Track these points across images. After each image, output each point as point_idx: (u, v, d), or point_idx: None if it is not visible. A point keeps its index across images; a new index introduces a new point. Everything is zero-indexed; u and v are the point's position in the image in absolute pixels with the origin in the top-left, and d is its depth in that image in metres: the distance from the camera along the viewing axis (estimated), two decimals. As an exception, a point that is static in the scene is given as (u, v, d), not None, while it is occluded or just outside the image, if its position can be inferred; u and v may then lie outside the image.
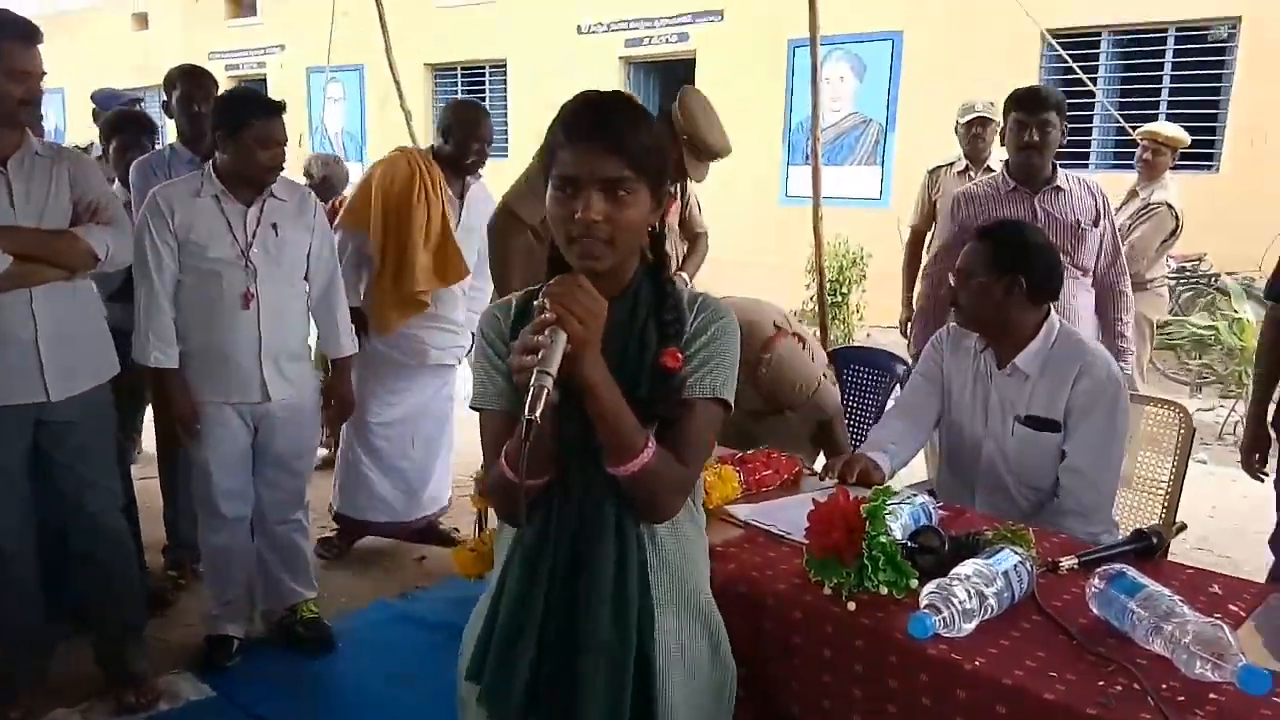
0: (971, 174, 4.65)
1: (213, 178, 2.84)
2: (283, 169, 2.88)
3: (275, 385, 2.91)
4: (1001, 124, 3.42)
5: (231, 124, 2.78)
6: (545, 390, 1.16)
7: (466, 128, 3.58)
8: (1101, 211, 3.24)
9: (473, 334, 3.82)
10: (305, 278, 3.01)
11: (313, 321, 3.13)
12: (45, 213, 2.49)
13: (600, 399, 1.27)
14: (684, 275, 4.02)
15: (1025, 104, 3.16)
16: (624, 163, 1.30)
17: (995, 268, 2.32)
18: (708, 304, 1.43)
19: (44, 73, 2.45)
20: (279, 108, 2.85)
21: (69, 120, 16.44)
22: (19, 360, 2.46)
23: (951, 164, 4.78)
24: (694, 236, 4.11)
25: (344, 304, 3.15)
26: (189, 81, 3.54)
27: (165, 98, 3.59)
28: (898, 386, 3.38)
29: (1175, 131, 4.93)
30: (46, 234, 2.48)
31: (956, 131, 4.81)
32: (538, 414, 1.16)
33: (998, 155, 4.77)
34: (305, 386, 3.05)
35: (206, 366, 2.86)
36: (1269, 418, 2.74)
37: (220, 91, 3.42)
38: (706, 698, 1.47)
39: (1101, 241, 3.24)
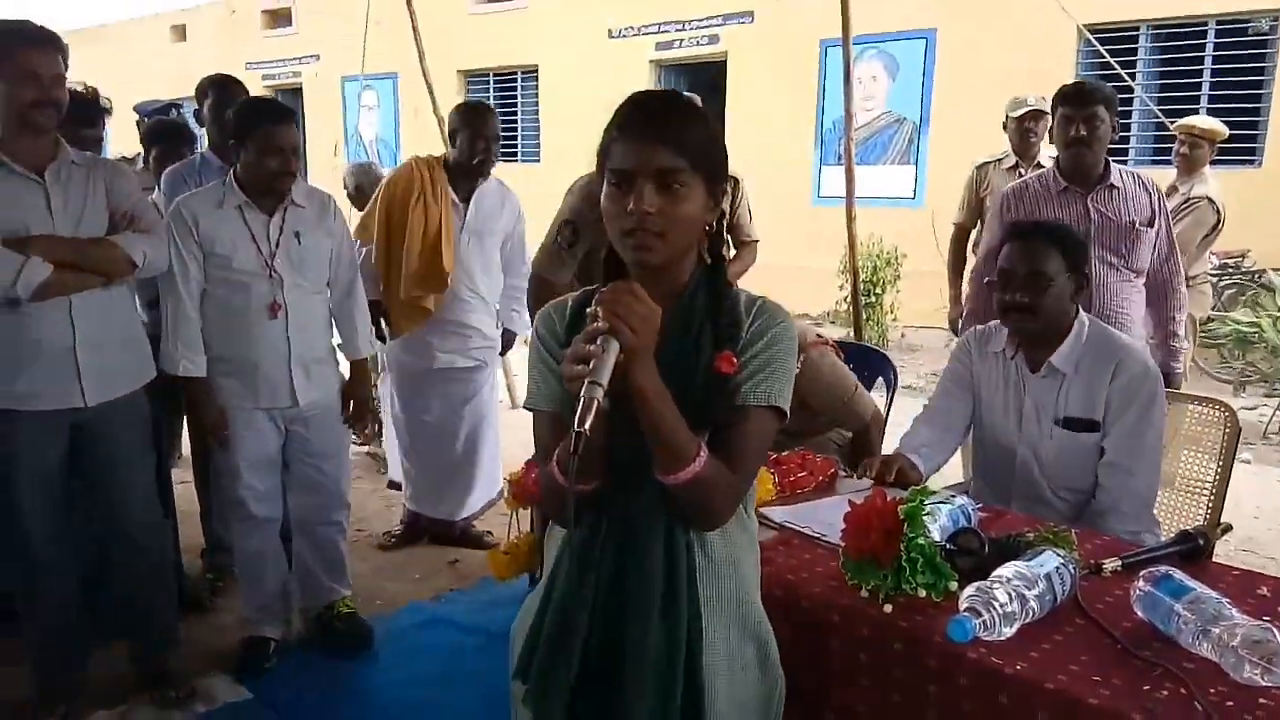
0: (1021, 170, 4.58)
1: (234, 188, 2.87)
2: (294, 175, 2.89)
3: (303, 390, 2.95)
4: (1051, 120, 3.35)
5: (240, 132, 2.82)
6: (595, 402, 1.14)
7: (470, 128, 3.58)
8: (1156, 209, 3.17)
9: (502, 336, 3.89)
10: (327, 282, 3.04)
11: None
12: (83, 222, 2.52)
13: (652, 407, 1.25)
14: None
15: (1072, 99, 3.11)
16: (677, 154, 1.30)
17: (1069, 269, 2.29)
18: (766, 308, 1.41)
19: (60, 76, 2.44)
20: (285, 114, 2.88)
21: (112, 132, 16.70)
22: (56, 366, 2.49)
23: (1000, 160, 4.70)
24: (741, 244, 4.08)
25: (363, 307, 3.19)
26: (220, 90, 3.58)
27: (198, 107, 3.64)
28: (885, 388, 3.33)
29: (1211, 124, 4.84)
30: (84, 243, 2.51)
31: (1005, 127, 4.72)
32: (587, 426, 1.14)
33: (1047, 151, 4.74)
34: (331, 388, 3.08)
35: (235, 374, 2.90)
36: None
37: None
38: (753, 707, 1.45)
39: (1156, 240, 3.16)
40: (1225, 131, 4.87)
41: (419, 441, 3.91)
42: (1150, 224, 3.14)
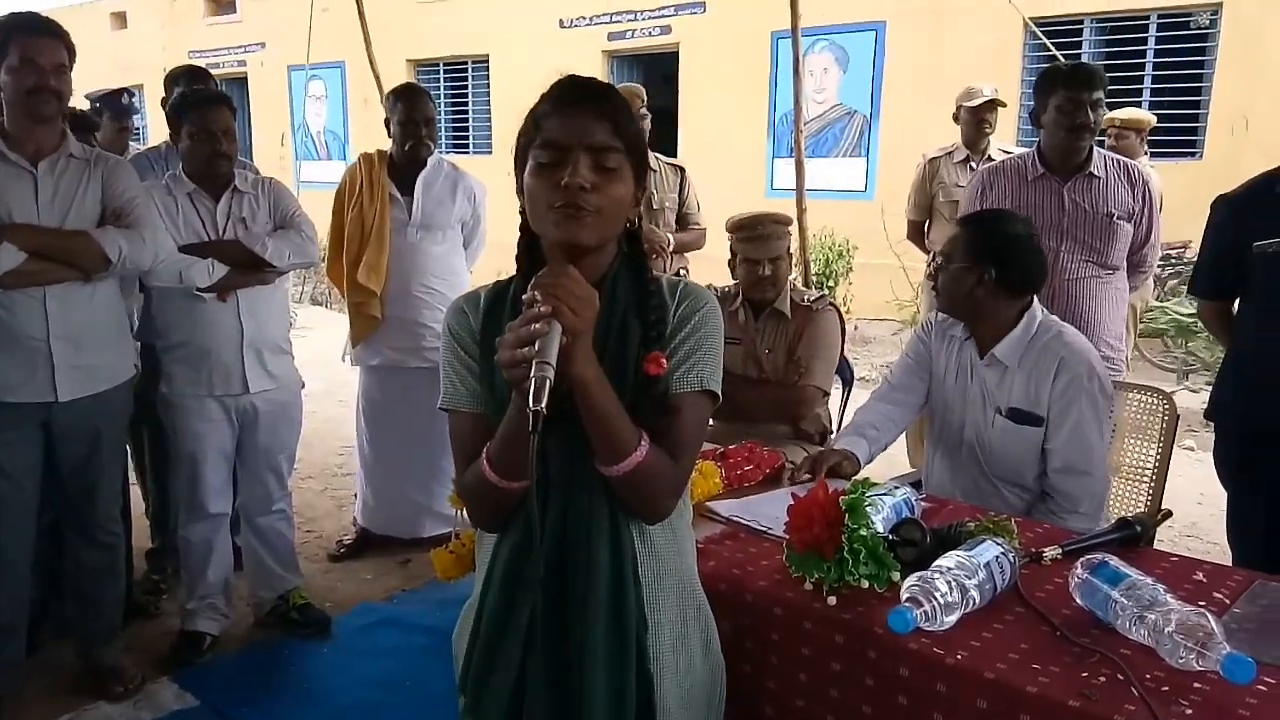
0: (973, 163, 4.62)
1: (181, 178, 2.90)
2: (230, 157, 2.92)
3: (255, 377, 2.94)
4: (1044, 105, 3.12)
5: (173, 120, 2.89)
6: (548, 380, 1.11)
7: (402, 111, 3.46)
8: (1141, 202, 3.04)
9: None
10: None
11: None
12: (70, 215, 2.52)
13: (593, 396, 1.22)
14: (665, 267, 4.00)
15: (1077, 82, 2.91)
16: (614, 133, 1.27)
17: (969, 256, 2.32)
18: (690, 290, 1.38)
19: (61, 65, 2.47)
20: (214, 98, 2.93)
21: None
22: (29, 358, 2.48)
23: (950, 152, 4.72)
24: (687, 229, 4.12)
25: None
26: (190, 81, 3.59)
27: (166, 95, 3.63)
28: (841, 386, 3.36)
29: (1135, 114, 4.95)
30: (61, 234, 2.50)
31: (957, 118, 4.74)
32: (543, 404, 1.10)
33: (997, 144, 4.79)
34: (288, 380, 3.09)
35: (188, 360, 2.89)
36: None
37: None
38: (699, 697, 1.44)
39: (1135, 234, 3.08)
40: (1151, 120, 4.99)
41: (372, 449, 3.78)
42: (1129, 218, 3.04)
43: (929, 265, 4.91)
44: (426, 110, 3.49)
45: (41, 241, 2.45)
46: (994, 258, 2.30)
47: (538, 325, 1.14)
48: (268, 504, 3.15)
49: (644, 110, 4.00)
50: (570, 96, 1.29)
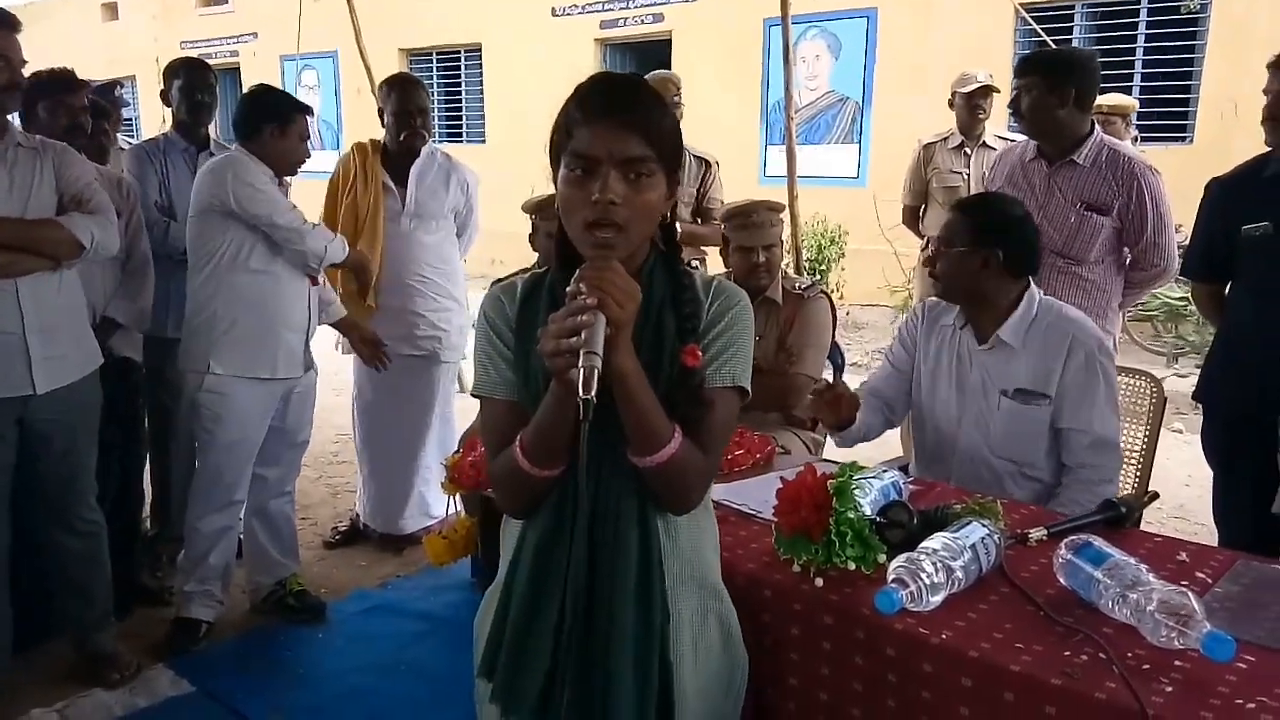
0: (967, 149, 4.64)
1: (259, 163, 2.95)
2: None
3: (309, 358, 3.09)
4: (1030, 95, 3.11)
5: (285, 118, 2.95)
6: (596, 370, 1.13)
7: (396, 101, 3.46)
8: (1127, 198, 2.96)
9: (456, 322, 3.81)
10: None
11: None
12: (30, 203, 2.47)
13: (632, 388, 1.23)
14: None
15: (1023, 68, 3.09)
16: (645, 143, 1.26)
17: (972, 240, 2.31)
18: (723, 288, 1.40)
19: (21, 60, 2.44)
20: (311, 109, 3.12)
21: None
22: (6, 352, 2.44)
23: (945, 139, 4.74)
24: (710, 224, 4.07)
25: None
26: (191, 72, 3.60)
27: (164, 87, 3.65)
28: (831, 371, 3.38)
29: (1118, 99, 4.97)
30: (31, 223, 2.46)
31: (951, 104, 4.74)
32: (593, 394, 1.12)
33: (993, 129, 4.80)
34: (313, 364, 3.21)
35: (258, 343, 2.95)
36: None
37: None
38: (716, 686, 1.45)
39: (1128, 233, 3.02)
40: (1133, 105, 5.03)
41: (365, 439, 3.78)
42: (1106, 212, 2.97)
43: (922, 251, 4.95)
44: (420, 100, 3.49)
45: (13, 232, 2.41)
46: (999, 240, 2.29)
47: (584, 317, 1.16)
48: (280, 486, 3.22)
49: (678, 99, 3.98)
50: (601, 106, 1.27)
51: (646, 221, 1.31)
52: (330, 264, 3.09)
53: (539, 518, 1.36)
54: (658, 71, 4.13)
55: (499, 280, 1.74)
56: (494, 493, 1.44)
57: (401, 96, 3.46)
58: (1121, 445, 2.38)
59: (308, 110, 3.06)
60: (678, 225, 1.48)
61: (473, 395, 1.42)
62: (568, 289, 1.20)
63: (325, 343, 3.46)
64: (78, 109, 3.07)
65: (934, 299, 2.55)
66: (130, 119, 13.81)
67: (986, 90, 4.62)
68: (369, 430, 3.76)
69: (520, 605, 1.35)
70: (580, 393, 1.12)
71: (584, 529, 1.31)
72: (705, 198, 4.13)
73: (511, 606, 1.36)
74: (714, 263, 4.11)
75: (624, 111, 1.26)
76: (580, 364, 1.13)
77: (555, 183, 1.33)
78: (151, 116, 14.23)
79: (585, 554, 1.31)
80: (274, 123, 2.93)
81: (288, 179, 3.11)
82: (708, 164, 4.17)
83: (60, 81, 3.03)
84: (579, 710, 1.31)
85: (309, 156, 3.12)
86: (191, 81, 3.54)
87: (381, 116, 3.53)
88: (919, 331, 2.53)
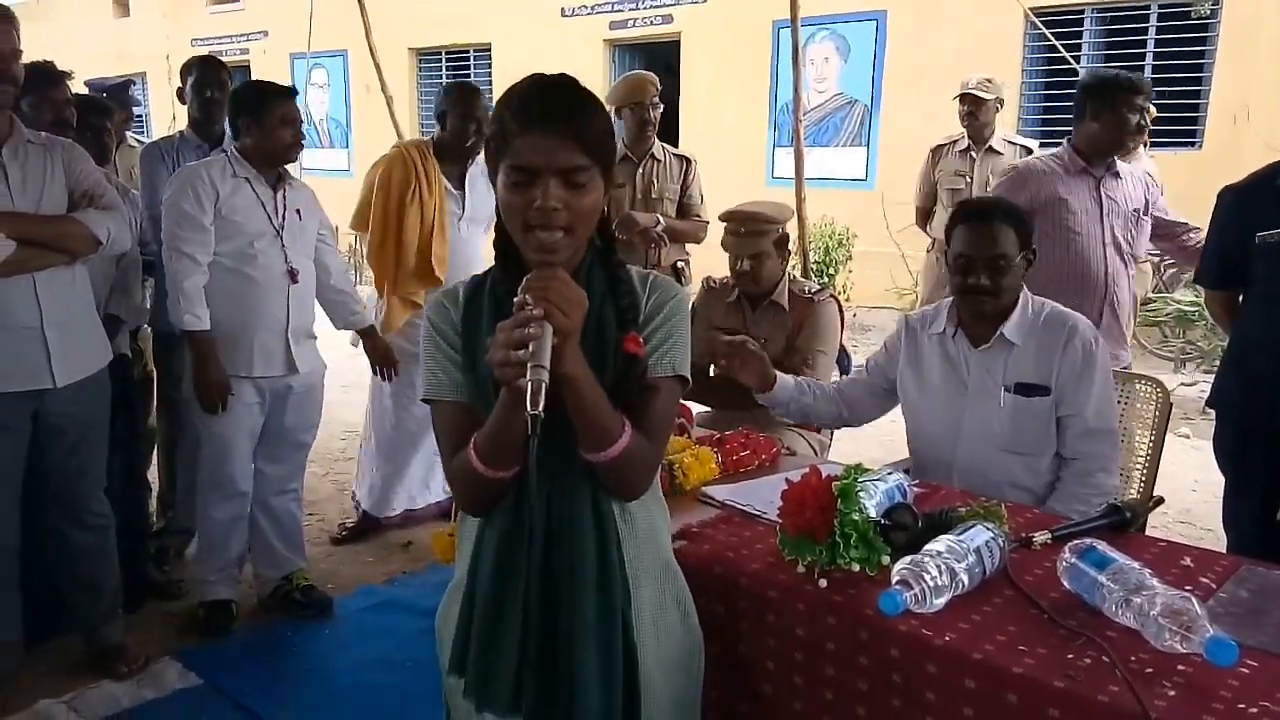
0: (973, 153, 4.64)
1: (241, 161, 2.95)
2: (302, 146, 3.03)
3: (299, 359, 3.06)
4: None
5: (256, 108, 2.91)
6: (544, 384, 1.15)
7: (460, 108, 3.55)
8: (1148, 199, 3.29)
9: None
10: (314, 261, 3.17)
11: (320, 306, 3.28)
12: (42, 199, 2.50)
13: (582, 391, 1.27)
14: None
15: (1141, 89, 3.20)
16: (582, 151, 1.29)
17: (1022, 246, 2.34)
18: (659, 283, 1.44)
19: (16, 51, 2.43)
20: (293, 91, 3.02)
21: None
22: (25, 346, 2.48)
23: (954, 141, 4.78)
24: (691, 220, 4.10)
25: (351, 283, 3.37)
26: (204, 69, 3.64)
27: (180, 85, 3.70)
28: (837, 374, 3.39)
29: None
30: (48, 219, 2.50)
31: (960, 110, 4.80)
32: (540, 409, 1.15)
33: (1002, 134, 4.81)
34: (318, 363, 3.20)
35: (232, 341, 2.95)
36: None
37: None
38: (678, 663, 1.50)
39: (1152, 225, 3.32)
40: (1150, 111, 4.99)
41: (399, 434, 3.80)
42: (1145, 212, 3.26)
43: (929, 252, 4.96)
44: (485, 109, 3.61)
45: (32, 228, 2.44)
46: (1030, 240, 2.36)
47: (531, 329, 1.18)
48: (284, 483, 3.24)
49: (657, 100, 4.00)
50: (538, 115, 1.29)
51: (587, 223, 1.35)
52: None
53: (496, 519, 1.40)
54: (636, 72, 4.14)
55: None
56: (450, 491, 1.48)
57: (468, 104, 3.57)
58: (1119, 435, 2.40)
59: (287, 93, 2.98)
60: (624, 215, 1.43)
61: (423, 400, 1.44)
62: (515, 299, 1.22)
63: (333, 341, 3.49)
64: (61, 102, 3.08)
65: (922, 310, 2.59)
66: (140, 116, 13.87)
67: (963, 98, 4.65)
68: (401, 433, 3.80)
69: (484, 606, 1.39)
70: (528, 408, 1.15)
71: (540, 531, 1.36)
72: (686, 194, 4.16)
73: (476, 606, 1.40)
74: (702, 259, 4.13)
75: (559, 121, 1.28)
76: (528, 377, 1.16)
77: (494, 185, 1.36)
78: (162, 114, 14.28)
79: (542, 554, 1.36)
80: (247, 116, 2.94)
81: (293, 174, 3.11)
82: (688, 161, 4.20)
83: (42, 75, 3.00)
84: (548, 700, 1.35)
85: (298, 142, 3.00)
86: (203, 78, 3.58)
87: (442, 120, 3.60)
88: (903, 343, 2.53)
